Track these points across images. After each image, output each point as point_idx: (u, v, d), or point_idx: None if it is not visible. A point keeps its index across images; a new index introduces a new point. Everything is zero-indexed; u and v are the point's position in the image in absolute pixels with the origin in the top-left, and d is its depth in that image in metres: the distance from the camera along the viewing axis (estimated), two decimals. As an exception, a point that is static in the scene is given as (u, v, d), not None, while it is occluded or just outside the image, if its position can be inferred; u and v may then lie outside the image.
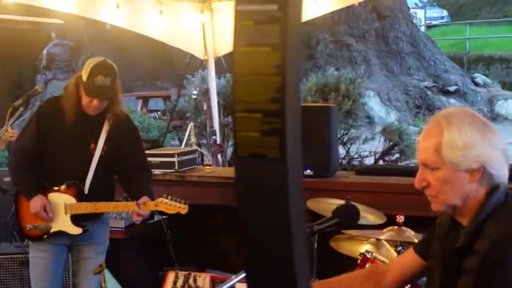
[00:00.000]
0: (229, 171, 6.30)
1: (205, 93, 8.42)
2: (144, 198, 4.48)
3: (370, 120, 15.93)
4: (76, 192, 4.54)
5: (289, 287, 0.97)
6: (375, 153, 10.18)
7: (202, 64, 8.01)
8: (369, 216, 4.15)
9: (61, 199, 4.55)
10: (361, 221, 3.45)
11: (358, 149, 10.40)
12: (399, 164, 9.11)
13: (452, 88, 18.97)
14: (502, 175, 2.41)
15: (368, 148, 10.57)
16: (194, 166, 6.34)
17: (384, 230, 4.09)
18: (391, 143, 10.00)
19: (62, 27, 12.81)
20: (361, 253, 4.00)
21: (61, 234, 4.62)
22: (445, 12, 30.55)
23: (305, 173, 5.30)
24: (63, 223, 4.57)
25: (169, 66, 17.20)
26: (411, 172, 3.10)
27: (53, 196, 4.55)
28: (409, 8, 22.00)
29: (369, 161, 9.95)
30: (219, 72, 8.50)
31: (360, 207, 3.13)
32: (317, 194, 4.60)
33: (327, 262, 4.22)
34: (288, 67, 0.91)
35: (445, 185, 2.43)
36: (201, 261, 5.36)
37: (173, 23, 7.06)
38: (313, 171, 5.40)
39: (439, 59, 20.00)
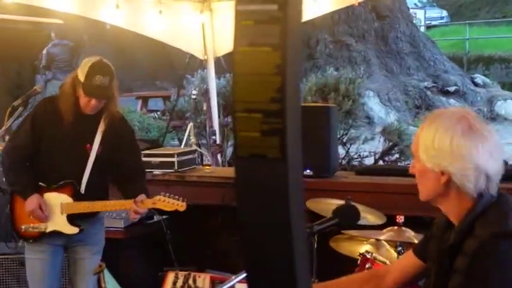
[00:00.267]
0: (229, 171, 6.30)
1: (205, 93, 8.43)
2: (142, 196, 4.49)
3: (369, 121, 15.94)
4: (72, 192, 4.55)
5: (290, 286, 0.97)
6: (375, 153, 10.19)
7: (202, 64, 8.02)
8: (368, 216, 4.15)
9: (57, 199, 4.56)
10: (361, 221, 3.45)
11: (357, 149, 10.41)
12: (399, 164, 9.12)
13: (451, 88, 18.98)
14: (469, 187, 2.38)
15: (368, 148, 10.58)
16: (194, 166, 6.34)
17: (384, 230, 4.09)
18: (390, 143, 10.01)
19: (62, 27, 12.81)
20: (360, 253, 4.00)
21: (57, 234, 4.62)
22: (444, 13, 30.59)
23: (305, 173, 5.30)
24: (59, 223, 4.57)
25: (169, 66, 17.21)
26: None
27: (49, 196, 4.55)
28: (408, 8, 22.00)
29: (369, 161, 9.95)
30: (219, 72, 8.51)
31: (359, 207, 3.13)
32: (317, 194, 4.61)
33: (326, 262, 4.22)
34: (288, 67, 0.91)
35: (421, 178, 2.53)
36: (200, 261, 5.36)
37: (173, 23, 7.07)
38: (313, 171, 5.40)
39: (439, 59, 20.01)
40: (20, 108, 4.57)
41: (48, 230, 4.57)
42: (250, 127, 0.94)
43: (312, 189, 4.97)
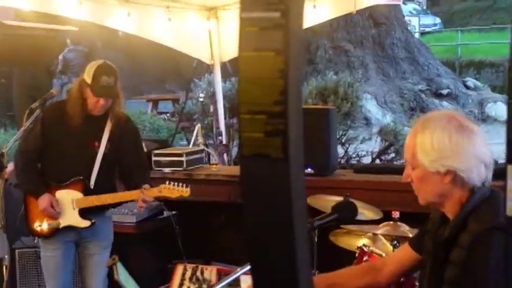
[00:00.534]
0: (235, 170, 6.30)
1: (212, 96, 8.43)
2: (147, 186, 4.53)
3: (367, 122, 15.95)
4: (83, 188, 4.58)
5: (292, 279, 0.97)
6: (372, 152, 10.19)
7: (209, 69, 8.02)
8: (366, 212, 4.14)
9: (69, 195, 4.59)
10: (359, 217, 3.44)
11: (356, 148, 10.41)
12: (395, 163, 9.11)
13: (444, 91, 18.98)
14: (474, 178, 2.40)
15: (365, 148, 10.58)
16: (201, 165, 6.34)
17: (380, 225, 4.09)
18: (387, 143, 10.01)
19: (76, 34, 12.82)
20: (358, 247, 4.00)
21: (69, 230, 4.65)
22: (437, 20, 30.58)
23: (306, 171, 5.30)
24: (72, 218, 4.60)
25: (178, 71, 17.23)
26: (406, 170, 3.10)
27: (61, 193, 4.58)
28: (404, 16, 21.99)
29: (366, 160, 9.95)
30: (225, 76, 8.50)
31: (357, 203, 3.12)
32: (317, 191, 4.60)
33: (326, 255, 4.22)
34: (291, 71, 0.91)
35: (421, 183, 2.48)
36: (207, 254, 5.36)
37: (181, 29, 7.07)
38: (314, 169, 5.40)
39: (432, 63, 20.01)
40: (38, 111, 4.57)
41: (61, 226, 4.59)
42: (254, 128, 0.94)
43: (313, 187, 4.96)
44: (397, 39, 19.61)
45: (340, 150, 9.54)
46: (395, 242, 3.93)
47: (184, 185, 4.67)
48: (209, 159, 7.06)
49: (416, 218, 2.90)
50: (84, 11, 6.02)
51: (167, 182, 4.63)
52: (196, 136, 7.74)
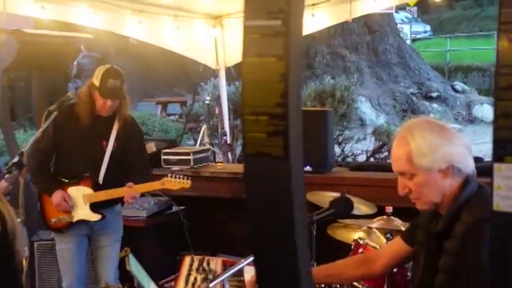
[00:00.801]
0: (239, 168, 6.30)
1: (217, 98, 8.43)
2: (131, 184, 4.56)
3: (362, 123, 15.93)
4: (92, 184, 4.61)
5: (292, 269, 0.97)
6: (367, 151, 10.18)
7: (214, 73, 8.01)
8: (361, 207, 4.14)
9: (79, 191, 4.62)
10: (355, 212, 3.45)
11: (351, 148, 10.41)
12: (388, 161, 9.10)
13: (434, 94, 18.96)
14: (468, 166, 2.45)
15: (360, 147, 10.58)
16: (207, 163, 6.34)
17: (375, 219, 4.08)
18: (380, 143, 10.00)
19: (90, 41, 12.82)
20: (354, 239, 4.00)
21: (81, 224, 4.68)
22: (428, 27, 30.55)
23: (305, 169, 5.30)
24: (84, 212, 4.63)
25: (185, 75, 17.22)
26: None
27: (72, 189, 4.61)
28: (396, 24, 21.97)
29: (361, 158, 9.95)
30: (229, 80, 8.50)
31: (353, 199, 3.13)
32: (316, 187, 4.60)
33: (324, 247, 4.21)
34: (291, 75, 0.91)
35: (423, 188, 2.46)
36: (213, 246, 5.35)
37: (188, 36, 7.06)
38: (312, 167, 5.40)
39: (423, 68, 19.99)
40: (55, 113, 4.57)
41: (74, 220, 4.62)
42: (257, 128, 0.94)
43: (311, 183, 4.96)
44: (390, 45, 19.59)
45: (337, 150, 9.54)
46: (389, 235, 3.93)
47: (185, 177, 4.68)
48: (214, 157, 7.06)
49: (408, 213, 2.89)
50: (99, 20, 6.03)
51: (169, 175, 4.66)
52: (203, 136, 7.75)
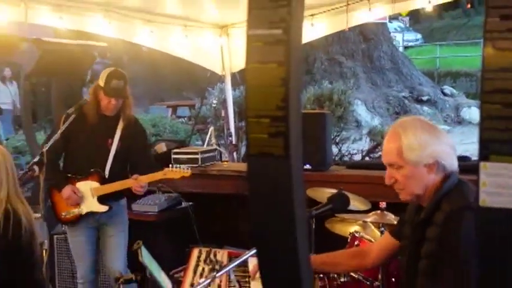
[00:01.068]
0: (243, 166, 6.30)
1: (223, 102, 8.44)
2: (136, 176, 4.59)
3: (358, 124, 15.92)
4: (99, 178, 4.64)
5: (292, 260, 0.97)
6: (362, 151, 10.18)
7: (221, 78, 8.01)
8: (357, 202, 4.14)
9: (87, 185, 4.65)
10: (351, 207, 3.44)
11: (348, 147, 10.41)
12: (382, 160, 9.07)
13: (425, 98, 18.96)
14: (452, 164, 2.49)
15: (356, 147, 10.57)
16: (214, 162, 6.35)
17: (369, 214, 4.08)
18: (375, 143, 10.00)
19: (105, 49, 12.82)
20: (350, 233, 4.00)
21: (90, 217, 4.71)
22: (419, 36, 30.52)
23: (305, 167, 5.30)
24: (92, 205, 4.66)
25: (193, 81, 17.23)
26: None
27: (81, 184, 4.65)
28: (389, 32, 21.97)
29: (357, 157, 9.94)
30: (234, 85, 8.51)
31: (349, 195, 3.13)
32: (315, 184, 4.59)
33: (322, 240, 4.21)
34: (291, 80, 0.91)
35: (409, 180, 2.50)
36: (220, 239, 5.35)
37: (196, 45, 7.07)
38: (312, 166, 5.39)
39: (414, 74, 19.99)
40: (73, 115, 4.58)
41: (84, 212, 4.66)
42: (259, 130, 0.94)
43: (311, 181, 4.96)
44: (384, 52, 19.60)
45: (335, 149, 9.53)
46: (382, 228, 3.93)
47: (185, 167, 4.73)
48: (221, 157, 7.06)
49: (400, 208, 2.90)
50: (113, 29, 6.04)
51: (170, 166, 4.70)
52: (210, 137, 7.74)
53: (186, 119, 14.58)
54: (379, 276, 3.45)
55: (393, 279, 3.48)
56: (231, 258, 3.44)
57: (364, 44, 19.35)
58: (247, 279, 3.12)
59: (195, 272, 3.25)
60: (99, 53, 13.48)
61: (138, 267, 2.99)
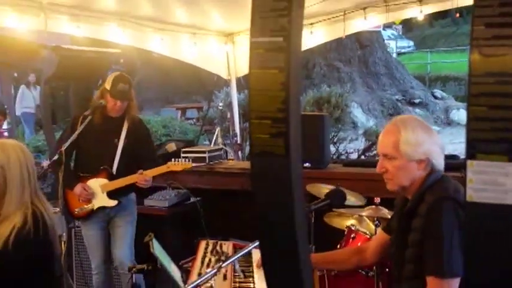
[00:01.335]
0: (247, 164, 6.30)
1: (229, 105, 8.44)
2: (141, 170, 4.59)
3: (354, 125, 15.91)
4: (108, 175, 4.67)
5: (292, 252, 0.97)
6: (358, 150, 10.17)
7: (226, 83, 8.02)
8: (353, 198, 4.13)
9: (97, 182, 4.68)
10: (347, 202, 3.44)
11: (345, 147, 10.40)
12: (376, 158, 9.06)
13: (416, 100, 18.94)
14: (440, 163, 2.53)
15: (352, 146, 10.56)
16: (220, 160, 6.35)
17: (365, 209, 4.08)
18: (370, 142, 9.99)
19: (119, 55, 12.83)
20: (347, 226, 4.00)
21: (101, 212, 4.73)
22: (411, 43, 30.51)
23: (304, 165, 5.30)
24: (102, 200, 4.69)
25: (201, 84, 17.24)
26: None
27: (91, 182, 4.69)
28: (384, 40, 21.98)
29: (353, 156, 9.93)
30: (239, 89, 8.51)
31: (346, 191, 3.12)
32: (313, 181, 4.59)
33: (321, 233, 4.20)
34: (291, 85, 0.91)
35: (399, 171, 2.53)
36: (225, 232, 5.35)
37: (204, 51, 7.08)
38: (311, 164, 5.39)
39: (407, 78, 19.98)
40: (89, 117, 4.59)
41: (95, 207, 4.69)
42: (262, 131, 0.94)
43: (310, 178, 4.95)
44: (379, 58, 19.59)
45: (332, 148, 9.53)
46: (377, 222, 3.92)
47: (187, 159, 4.77)
48: (227, 155, 7.07)
49: (393, 203, 2.91)
50: (126, 37, 6.05)
51: (172, 160, 4.72)
52: (216, 137, 7.76)
53: (194, 120, 14.58)
54: (374, 267, 3.45)
55: (387, 270, 3.47)
56: (236, 249, 3.45)
57: (360, 51, 19.34)
58: (251, 269, 3.12)
59: (202, 263, 3.25)
60: (113, 59, 13.49)
61: (150, 258, 2.99)
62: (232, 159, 6.73)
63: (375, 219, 3.96)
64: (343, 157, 9.65)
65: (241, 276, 2.99)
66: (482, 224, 0.89)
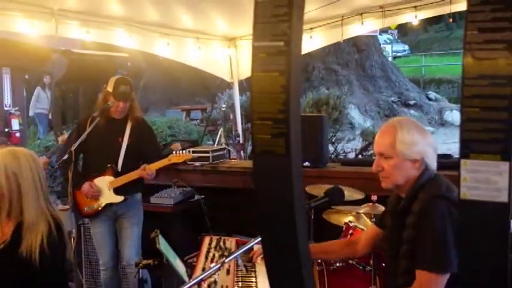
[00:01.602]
0: (249, 163, 6.30)
1: (232, 106, 8.43)
2: (144, 165, 4.59)
3: (351, 126, 15.91)
4: (113, 172, 4.68)
5: (293, 247, 0.97)
6: (355, 149, 10.16)
7: (229, 85, 8.02)
8: (351, 195, 4.13)
9: (104, 180, 4.69)
10: (347, 197, 3.44)
11: (343, 146, 10.39)
12: (373, 157, 9.05)
13: (411, 102, 18.93)
14: (433, 164, 2.55)
15: (350, 146, 10.56)
16: (223, 159, 6.34)
17: (362, 206, 4.08)
18: (367, 142, 9.98)
19: (126, 59, 12.82)
20: (345, 222, 3.99)
21: (108, 210, 4.73)
22: (406, 47, 30.51)
23: (304, 164, 5.29)
24: (109, 196, 4.69)
25: (205, 87, 17.25)
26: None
27: (98, 180, 4.69)
28: (380, 44, 21.96)
29: (351, 155, 9.93)
30: (242, 91, 8.50)
31: (344, 189, 3.12)
32: (313, 180, 4.59)
33: (320, 229, 4.21)
34: (291, 87, 0.91)
35: (395, 170, 2.54)
36: (228, 228, 5.36)
37: (208, 55, 7.08)
38: (310, 163, 5.39)
39: (402, 81, 19.97)
40: (98, 118, 4.59)
41: (103, 204, 4.69)
42: (263, 131, 0.94)
43: (309, 176, 4.96)
44: (375, 62, 19.59)
45: (331, 148, 9.53)
46: (374, 219, 3.92)
47: (187, 151, 4.84)
48: (229, 155, 7.06)
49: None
50: (133, 42, 6.05)
51: (174, 152, 4.74)
52: (220, 137, 7.75)
53: (198, 121, 14.57)
54: (371, 262, 3.44)
55: (383, 264, 3.47)
56: (238, 245, 3.45)
57: (357, 55, 19.34)
58: (252, 264, 3.12)
59: (206, 258, 3.25)
60: (121, 63, 13.49)
61: (156, 253, 2.99)
62: (235, 159, 6.72)
63: (372, 216, 3.96)
64: (341, 156, 9.64)
65: (244, 270, 2.99)
66: (476, 221, 0.89)
